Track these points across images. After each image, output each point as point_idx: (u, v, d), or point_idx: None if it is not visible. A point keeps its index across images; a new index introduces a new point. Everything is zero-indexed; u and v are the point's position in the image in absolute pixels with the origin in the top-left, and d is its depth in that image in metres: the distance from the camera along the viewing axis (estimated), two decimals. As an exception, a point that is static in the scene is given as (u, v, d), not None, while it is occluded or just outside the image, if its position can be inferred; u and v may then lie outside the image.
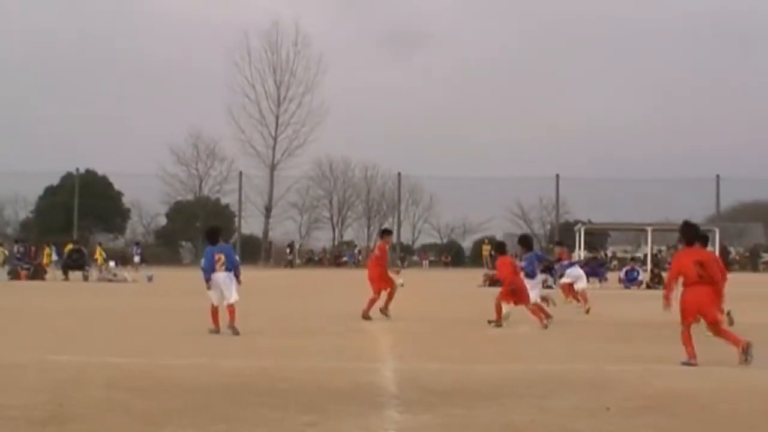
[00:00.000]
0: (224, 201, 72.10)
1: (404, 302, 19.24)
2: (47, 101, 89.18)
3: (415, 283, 27.11)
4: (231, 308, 13.62)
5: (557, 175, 64.80)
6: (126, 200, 71.72)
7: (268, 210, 68.89)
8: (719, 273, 11.27)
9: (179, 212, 71.20)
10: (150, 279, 35.45)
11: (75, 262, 38.22)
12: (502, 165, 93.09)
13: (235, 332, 13.35)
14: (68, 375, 9.22)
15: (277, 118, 68.43)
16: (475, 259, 64.51)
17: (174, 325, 15.76)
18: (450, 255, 71.19)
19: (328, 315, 18.01)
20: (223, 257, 13.78)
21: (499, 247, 17.61)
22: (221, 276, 13.73)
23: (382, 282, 17.44)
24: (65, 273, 37.15)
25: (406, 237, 73.93)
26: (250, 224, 70.82)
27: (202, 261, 14.27)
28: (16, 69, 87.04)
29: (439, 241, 76.60)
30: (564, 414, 7.46)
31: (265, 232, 69.44)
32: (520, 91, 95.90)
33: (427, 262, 69.61)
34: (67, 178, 67.46)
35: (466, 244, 74.04)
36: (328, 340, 13.36)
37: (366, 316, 16.72)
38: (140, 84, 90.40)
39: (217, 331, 13.63)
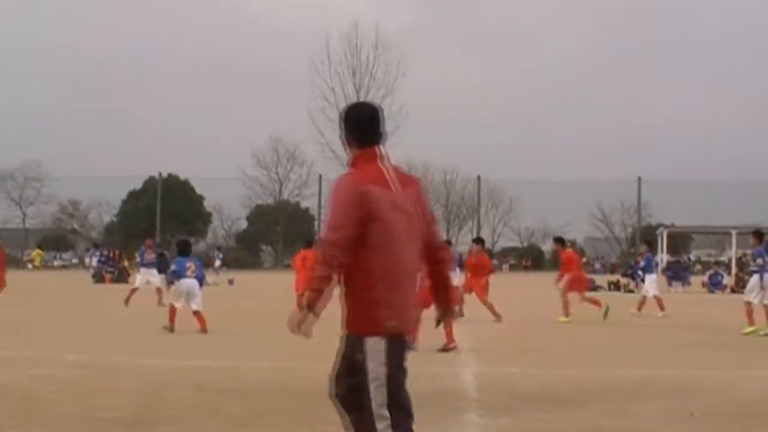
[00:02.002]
0: (304, 205, 72.72)
1: (485, 307, 19.12)
2: (129, 107, 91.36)
3: (495, 288, 26.89)
4: (198, 315, 14.72)
5: (639, 178, 63.67)
6: (207, 204, 72.71)
7: (347, 215, 69.09)
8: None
9: (260, 216, 72.07)
10: (231, 282, 35.89)
11: (159, 267, 38.81)
12: (583, 167, 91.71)
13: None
14: (158, 377, 9.35)
15: (356, 121, 68.63)
16: (556, 263, 63.69)
17: (258, 327, 15.89)
18: (530, 259, 70.61)
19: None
20: (193, 266, 15.18)
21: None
22: (189, 282, 14.88)
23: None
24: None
25: (486, 241, 73.58)
26: (330, 229, 71.25)
27: (173, 267, 15.61)
28: (103, 78, 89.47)
29: (519, 245, 76.05)
30: (649, 419, 7.32)
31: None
32: (602, 91, 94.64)
33: (507, 266, 69.15)
34: (150, 182, 68.56)
35: (546, 247, 73.13)
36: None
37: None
38: (222, 88, 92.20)
39: (172, 329, 14.54)
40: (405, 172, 4.51)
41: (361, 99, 67.98)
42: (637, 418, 7.34)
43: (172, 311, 14.79)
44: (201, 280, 15.27)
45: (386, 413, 4.21)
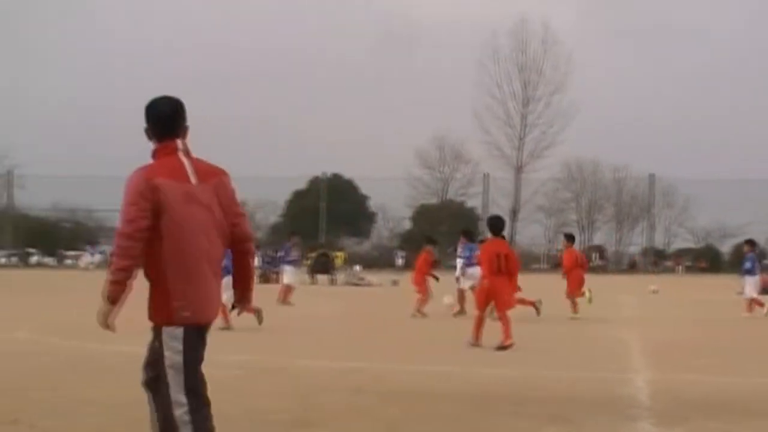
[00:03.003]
0: (469, 204, 72.25)
1: (658, 309, 18.54)
2: (296, 108, 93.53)
3: (669, 290, 26.06)
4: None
5: (827, 174, 59.97)
6: (372, 204, 73.16)
7: (514, 213, 68.09)
8: (516, 265, 12.53)
9: (423, 216, 71.81)
10: (395, 283, 36.03)
11: (322, 266, 39.84)
12: (764, 164, 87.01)
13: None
14: (317, 380, 9.37)
15: (524, 118, 67.55)
16: (734, 264, 60.74)
17: (420, 330, 15.93)
18: (707, 260, 67.77)
19: (577, 321, 17.63)
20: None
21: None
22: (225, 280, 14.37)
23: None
24: (312, 276, 38.51)
25: (659, 241, 71.18)
26: (496, 227, 70.57)
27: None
28: (263, 80, 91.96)
29: (694, 246, 73.03)
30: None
31: (511, 236, 69.09)
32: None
33: (682, 267, 66.62)
34: (315, 182, 69.41)
35: (725, 248, 69.85)
36: (578, 347, 13.07)
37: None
38: (387, 88, 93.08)
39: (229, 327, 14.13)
40: (210, 164, 4.67)
41: (528, 96, 67.36)
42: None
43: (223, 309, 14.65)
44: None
45: (183, 399, 4.44)
